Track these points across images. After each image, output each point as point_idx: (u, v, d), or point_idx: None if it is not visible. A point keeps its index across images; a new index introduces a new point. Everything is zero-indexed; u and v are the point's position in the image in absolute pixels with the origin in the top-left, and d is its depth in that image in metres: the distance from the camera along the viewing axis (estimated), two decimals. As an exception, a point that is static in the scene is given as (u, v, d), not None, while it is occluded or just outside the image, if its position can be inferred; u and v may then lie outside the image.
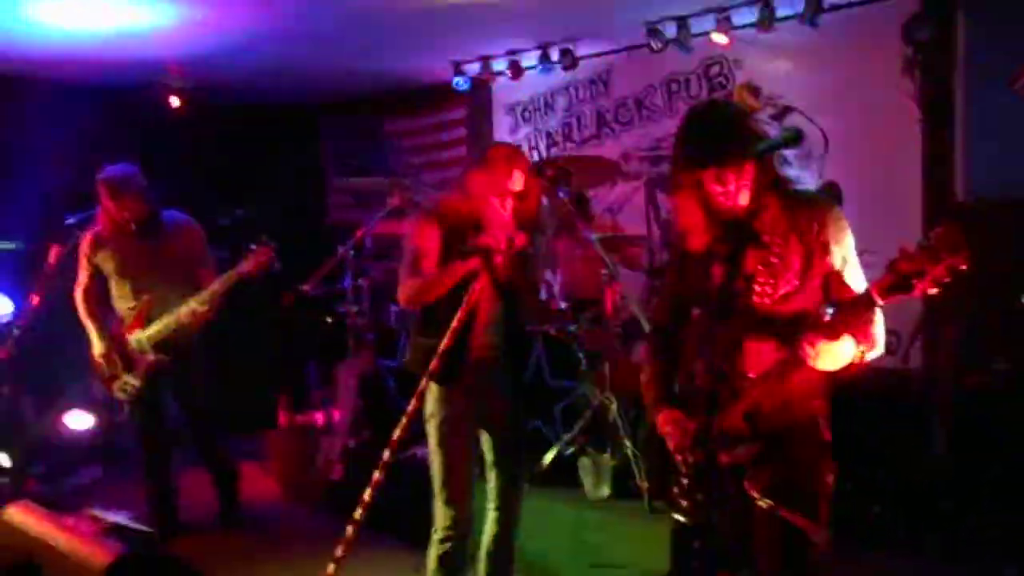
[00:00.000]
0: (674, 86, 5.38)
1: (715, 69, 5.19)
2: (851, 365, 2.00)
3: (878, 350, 2.03)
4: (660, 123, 5.43)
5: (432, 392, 2.79)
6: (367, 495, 2.40)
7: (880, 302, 1.84)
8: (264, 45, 5.31)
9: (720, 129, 2.11)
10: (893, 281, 1.79)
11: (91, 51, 5.19)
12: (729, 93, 5.09)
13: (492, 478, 2.92)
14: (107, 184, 3.85)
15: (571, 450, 4.01)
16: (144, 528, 3.96)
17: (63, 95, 5.85)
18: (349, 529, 2.40)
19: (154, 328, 3.90)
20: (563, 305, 4.52)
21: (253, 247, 3.80)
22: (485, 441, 2.90)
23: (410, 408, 2.54)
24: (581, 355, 4.16)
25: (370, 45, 5.48)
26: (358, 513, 2.40)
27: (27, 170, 5.51)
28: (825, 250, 2.08)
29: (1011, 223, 4.21)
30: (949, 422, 3.86)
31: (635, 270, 4.84)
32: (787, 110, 4.97)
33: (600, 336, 4.23)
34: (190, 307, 3.82)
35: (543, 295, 4.61)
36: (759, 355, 2.08)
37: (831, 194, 4.80)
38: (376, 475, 2.43)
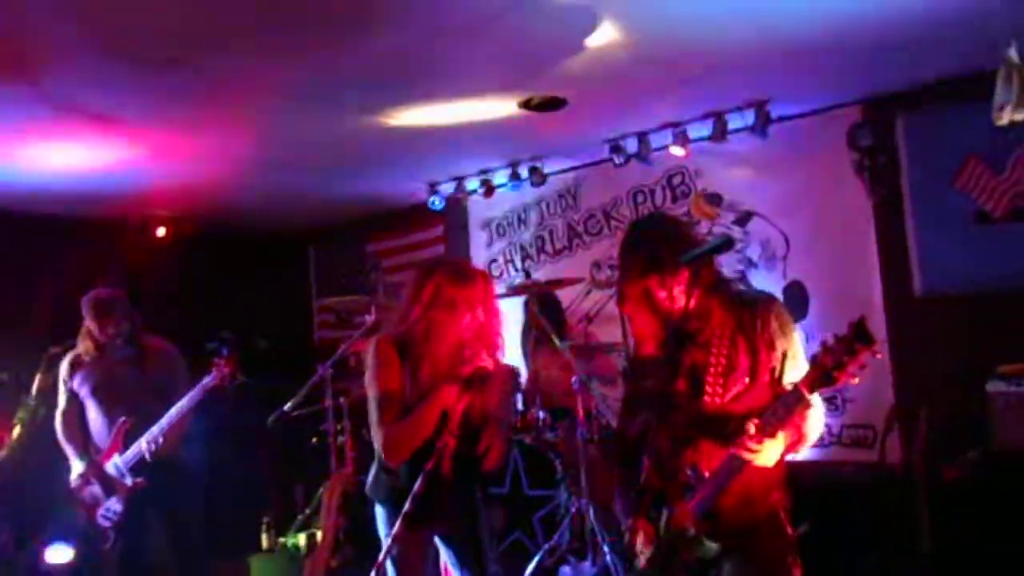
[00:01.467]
0: (639, 197, 5.61)
1: (677, 179, 5.43)
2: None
3: (811, 441, 2.12)
4: (629, 232, 5.64)
5: (381, 512, 2.79)
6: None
7: (808, 396, 1.93)
8: (247, 175, 5.56)
9: (657, 240, 2.26)
10: (817, 375, 1.90)
11: (76, 186, 5.40)
12: (689, 202, 5.32)
13: None
14: (91, 304, 3.97)
15: (552, 559, 3.99)
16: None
17: (48, 229, 6.03)
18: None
19: (131, 451, 3.92)
20: (541, 415, 4.59)
21: (216, 360, 3.87)
22: (446, 556, 2.84)
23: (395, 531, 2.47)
24: (558, 463, 4.19)
25: (348, 171, 5.73)
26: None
27: (15, 304, 5.64)
28: (770, 347, 2.17)
29: (967, 314, 4.34)
30: (929, 517, 3.85)
31: (606, 382, 4.92)
32: (749, 215, 5.18)
33: (576, 444, 4.26)
34: (161, 427, 3.85)
35: (521, 406, 4.68)
36: (711, 453, 2.14)
37: (796, 294, 4.96)
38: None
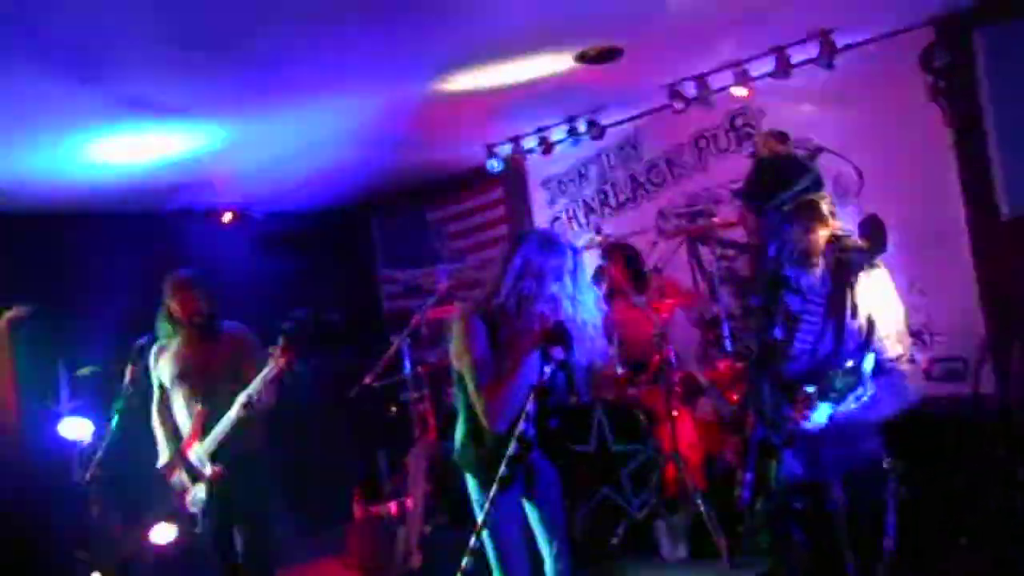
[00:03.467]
0: (702, 142, 5.47)
1: (740, 120, 5.28)
2: None
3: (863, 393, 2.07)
4: (692, 179, 5.52)
5: (470, 479, 2.84)
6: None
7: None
8: (306, 154, 5.58)
9: (759, 177, 2.27)
10: None
11: (143, 181, 5.50)
12: (755, 142, 5.16)
13: (545, 556, 2.89)
14: (173, 281, 4.00)
15: (644, 513, 3.99)
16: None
17: (120, 225, 6.16)
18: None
19: (209, 439, 3.93)
20: (620, 370, 4.56)
21: (272, 350, 3.76)
22: (531, 517, 2.89)
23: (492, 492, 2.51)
24: (642, 417, 4.17)
25: (408, 140, 5.70)
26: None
27: (98, 300, 5.80)
28: (854, 313, 2.11)
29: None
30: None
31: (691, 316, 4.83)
32: (818, 151, 5.01)
33: (659, 396, 4.23)
34: (235, 411, 3.81)
35: (600, 362, 4.65)
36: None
37: (873, 228, 4.79)
38: (464, 562, 2.42)
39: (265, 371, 3.78)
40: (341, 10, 3.40)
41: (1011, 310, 4.29)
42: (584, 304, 2.72)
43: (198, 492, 4.02)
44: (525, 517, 2.92)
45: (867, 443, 2.15)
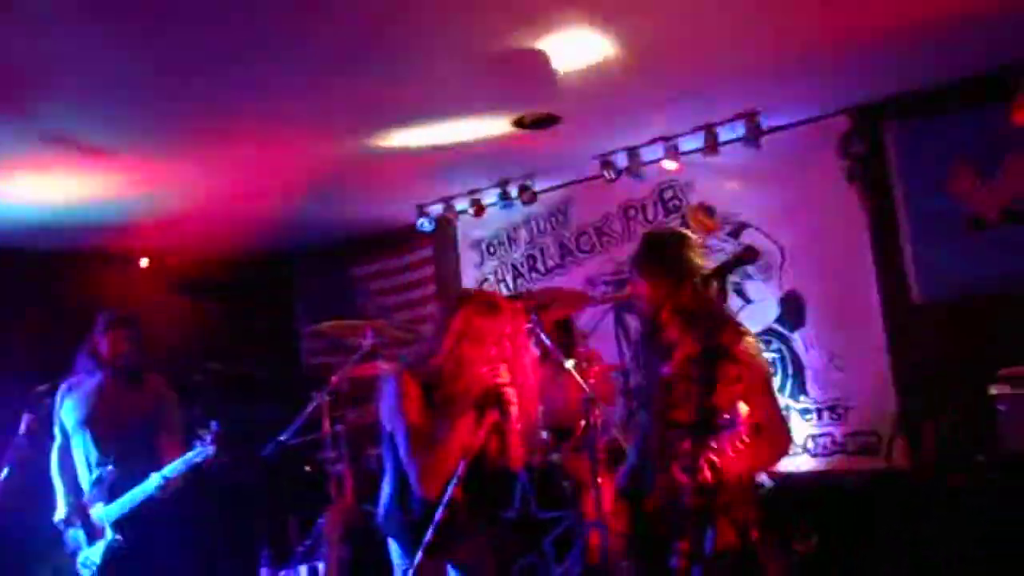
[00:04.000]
0: (631, 212, 5.59)
1: (668, 193, 5.42)
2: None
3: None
4: (621, 247, 5.61)
5: (394, 545, 2.76)
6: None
7: None
8: (231, 203, 5.47)
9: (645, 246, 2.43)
10: None
11: (55, 218, 5.27)
12: (683, 214, 5.32)
13: None
14: (108, 317, 3.85)
15: (567, 583, 3.92)
16: None
17: (27, 263, 5.85)
18: None
19: (116, 505, 3.72)
20: (544, 435, 4.52)
21: (203, 435, 3.66)
22: None
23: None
24: (566, 484, 4.12)
25: (335, 196, 5.65)
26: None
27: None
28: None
29: (966, 319, 4.36)
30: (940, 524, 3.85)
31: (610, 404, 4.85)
32: (742, 226, 5.19)
33: (584, 463, 4.20)
34: (152, 484, 3.65)
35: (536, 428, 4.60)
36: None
37: (793, 303, 4.96)
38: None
39: (190, 455, 3.67)
40: (279, 60, 3.38)
41: (921, 388, 4.46)
42: (521, 368, 2.70)
43: (92, 554, 3.76)
44: None
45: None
